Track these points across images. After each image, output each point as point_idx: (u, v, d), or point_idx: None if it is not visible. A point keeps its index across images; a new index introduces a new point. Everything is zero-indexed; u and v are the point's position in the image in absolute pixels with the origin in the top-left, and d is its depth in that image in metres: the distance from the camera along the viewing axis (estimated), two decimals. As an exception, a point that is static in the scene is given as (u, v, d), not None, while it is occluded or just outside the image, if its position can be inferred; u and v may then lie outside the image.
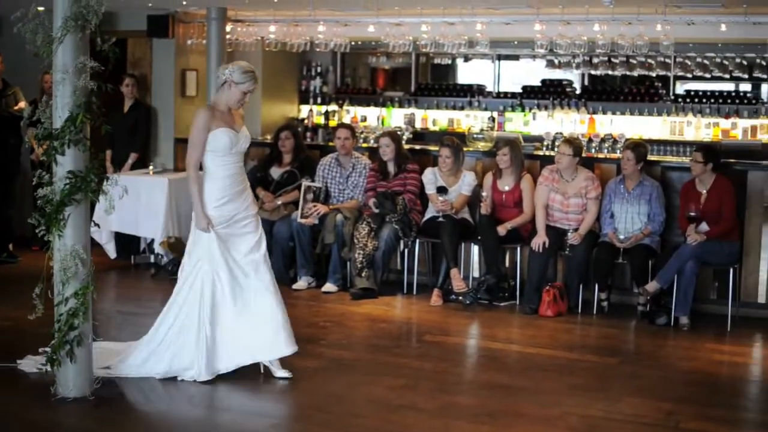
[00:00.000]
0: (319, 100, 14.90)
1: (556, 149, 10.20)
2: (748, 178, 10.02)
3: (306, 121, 14.42)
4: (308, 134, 13.86)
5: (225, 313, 7.25)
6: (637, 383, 7.52)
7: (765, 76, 13.01)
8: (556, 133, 12.53)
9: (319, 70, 15.07)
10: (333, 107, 14.76)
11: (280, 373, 7.33)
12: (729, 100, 13.19)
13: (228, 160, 7.25)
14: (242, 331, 7.25)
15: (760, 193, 9.96)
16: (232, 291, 7.26)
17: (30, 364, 7.34)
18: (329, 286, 10.51)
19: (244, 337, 7.25)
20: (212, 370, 7.18)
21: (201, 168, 7.36)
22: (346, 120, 14.52)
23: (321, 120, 14.56)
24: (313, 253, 10.76)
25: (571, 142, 10.19)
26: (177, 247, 11.05)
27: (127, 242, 11.77)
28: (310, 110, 14.64)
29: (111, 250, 11.60)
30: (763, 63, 12.89)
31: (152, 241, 11.49)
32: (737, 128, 12.89)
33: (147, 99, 13.16)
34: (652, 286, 9.46)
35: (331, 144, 11.86)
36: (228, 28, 12.65)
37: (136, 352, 7.39)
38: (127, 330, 8.68)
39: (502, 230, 10.07)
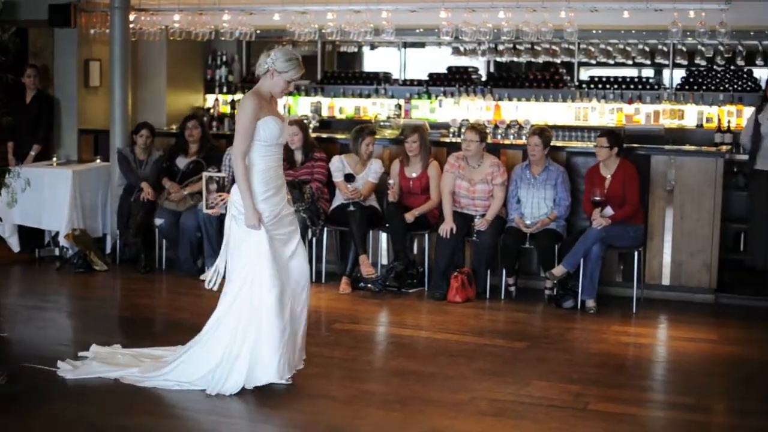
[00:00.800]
0: (224, 89, 14.78)
1: (462, 136, 10.25)
2: (651, 163, 10.18)
3: (212, 111, 14.30)
4: (214, 123, 13.74)
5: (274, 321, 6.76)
6: (546, 366, 7.61)
7: (667, 62, 13.19)
8: (463, 120, 12.58)
9: (224, 59, 14.94)
10: (239, 96, 14.66)
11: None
12: (632, 86, 13.35)
13: (272, 151, 6.84)
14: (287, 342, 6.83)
15: (662, 177, 10.12)
16: (280, 297, 6.80)
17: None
18: (237, 276, 10.45)
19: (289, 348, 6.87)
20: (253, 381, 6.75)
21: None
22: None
23: (227, 109, 14.45)
24: (220, 243, 10.67)
25: (477, 128, 10.24)
26: (82, 239, 10.94)
27: (31, 235, 11.59)
28: (216, 99, 14.53)
29: (14, 244, 11.46)
30: (665, 49, 13.06)
31: (57, 234, 11.34)
32: (640, 113, 13.06)
33: (50, 90, 12.96)
34: (558, 270, 9.57)
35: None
36: (132, 17, 12.46)
37: (187, 367, 6.89)
38: (32, 325, 8.56)
39: (409, 217, 10.10)
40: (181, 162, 11.15)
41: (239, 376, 6.67)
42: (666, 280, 10.15)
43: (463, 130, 10.91)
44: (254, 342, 6.70)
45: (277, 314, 6.71)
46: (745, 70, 12.90)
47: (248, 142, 6.73)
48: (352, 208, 10.24)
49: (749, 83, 12.80)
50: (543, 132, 10.07)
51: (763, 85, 12.01)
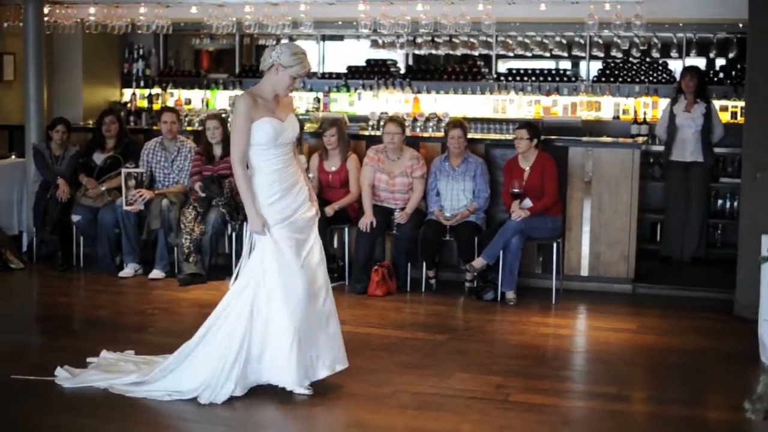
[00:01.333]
0: (142, 83, 14.62)
1: (382, 129, 10.24)
2: (569, 154, 10.27)
3: (129, 105, 14.14)
4: (131, 118, 13.60)
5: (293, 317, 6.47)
6: (467, 359, 7.63)
7: (583, 55, 13.30)
8: (382, 113, 12.59)
9: (141, 52, 14.78)
10: (156, 90, 14.51)
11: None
12: (549, 78, 13.45)
13: (274, 153, 6.47)
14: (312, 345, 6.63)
15: (580, 168, 10.21)
16: (291, 304, 6.47)
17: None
18: (156, 273, 10.38)
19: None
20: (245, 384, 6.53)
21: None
22: (170, 103, 14.31)
23: (144, 104, 14.31)
24: (140, 239, 10.60)
25: (399, 121, 10.25)
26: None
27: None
28: (133, 94, 14.36)
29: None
30: (582, 41, 13.17)
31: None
32: (558, 105, 13.16)
33: (-38, 84, 12.75)
34: (478, 262, 9.61)
35: (155, 128, 11.67)
36: (46, 10, 12.29)
37: (179, 376, 6.59)
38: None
39: (329, 211, 10.07)
40: (98, 157, 11.02)
41: (231, 385, 6.40)
42: (584, 271, 10.25)
43: (382, 123, 10.89)
44: (252, 350, 6.47)
45: (287, 323, 6.43)
46: (660, 62, 13.05)
47: (243, 146, 6.44)
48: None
49: (664, 75, 12.96)
50: (463, 124, 10.11)
51: (677, 77, 12.15)
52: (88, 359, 7.09)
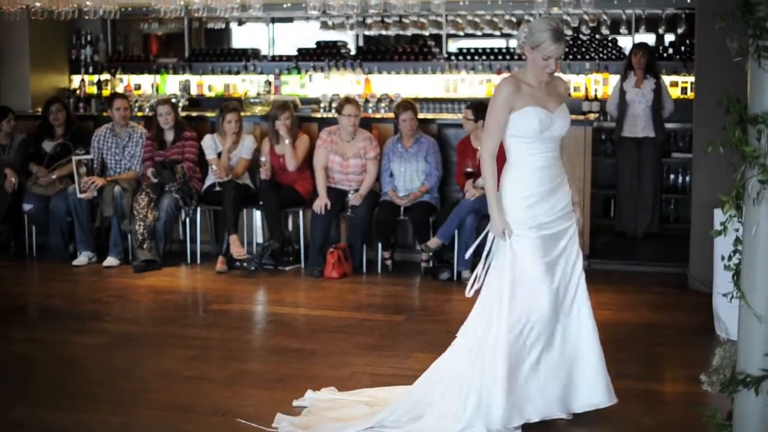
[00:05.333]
0: (90, 69, 14.48)
1: (340, 111, 10.19)
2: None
3: (78, 92, 14.02)
4: (81, 105, 13.47)
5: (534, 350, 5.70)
6: (424, 338, 7.63)
7: (533, 32, 13.32)
8: (333, 95, 12.55)
9: (89, 38, 14.64)
10: (105, 76, 14.39)
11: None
12: (500, 57, 13.46)
13: (537, 149, 5.62)
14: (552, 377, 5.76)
15: (533, 146, 10.23)
16: (520, 330, 5.65)
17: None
18: (111, 260, 10.30)
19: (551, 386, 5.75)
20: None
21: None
22: (120, 89, 14.21)
23: (94, 90, 14.18)
24: (93, 227, 10.52)
25: (355, 102, 10.24)
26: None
27: None
28: (82, 80, 14.23)
29: None
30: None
31: None
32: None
33: None
34: (433, 242, 9.62)
35: (105, 114, 11.57)
36: (-10, -4, 12.13)
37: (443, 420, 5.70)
38: None
39: (288, 158, 10.08)
40: (48, 145, 10.90)
41: (498, 411, 5.55)
42: (539, 248, 10.27)
43: (336, 105, 10.84)
44: (483, 378, 5.63)
45: (506, 351, 5.57)
46: (610, 38, 13.10)
47: (495, 137, 5.65)
48: (218, 188, 10.17)
49: (614, 52, 13.01)
50: (413, 106, 10.11)
51: (627, 53, 12.21)
52: (295, 402, 6.15)
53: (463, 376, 5.74)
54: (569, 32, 12.96)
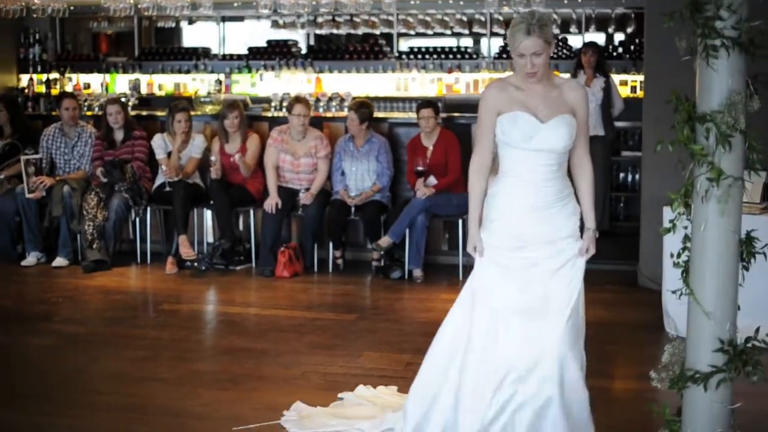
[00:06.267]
0: (39, 68, 14.37)
1: (287, 110, 10.17)
2: (472, 131, 10.30)
3: (27, 91, 13.89)
4: (29, 104, 13.35)
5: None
6: (376, 337, 7.64)
7: (484, 32, 13.38)
8: (284, 94, 12.53)
9: (37, 36, 14.53)
10: (54, 75, 14.28)
11: None
12: (451, 56, 13.50)
13: (525, 160, 4.98)
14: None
15: (484, 145, 10.25)
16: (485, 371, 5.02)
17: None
18: (60, 261, 10.21)
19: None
20: None
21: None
22: (69, 88, 14.10)
23: (43, 89, 14.06)
24: (41, 227, 10.42)
25: (306, 101, 10.22)
26: None
27: None
28: (31, 79, 14.11)
29: None
30: (482, 19, 13.24)
31: None
32: (460, 83, 13.23)
33: None
34: (384, 241, 9.62)
35: (54, 113, 11.48)
36: (-64, -5, 12.01)
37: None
38: None
39: (243, 169, 10.00)
40: (-5, 144, 10.80)
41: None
42: (491, 247, 10.30)
43: (287, 104, 10.80)
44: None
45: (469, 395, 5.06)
46: (560, 37, 13.17)
47: (485, 148, 5.08)
48: (168, 188, 10.11)
49: (564, 50, 13.08)
50: (361, 107, 10.07)
51: (577, 52, 12.28)
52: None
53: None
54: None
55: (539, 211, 5.04)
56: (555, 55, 13.02)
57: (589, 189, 5.23)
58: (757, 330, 4.47)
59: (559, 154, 5.02)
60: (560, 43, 13.11)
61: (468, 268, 9.63)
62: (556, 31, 13.10)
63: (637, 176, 11.83)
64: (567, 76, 11.73)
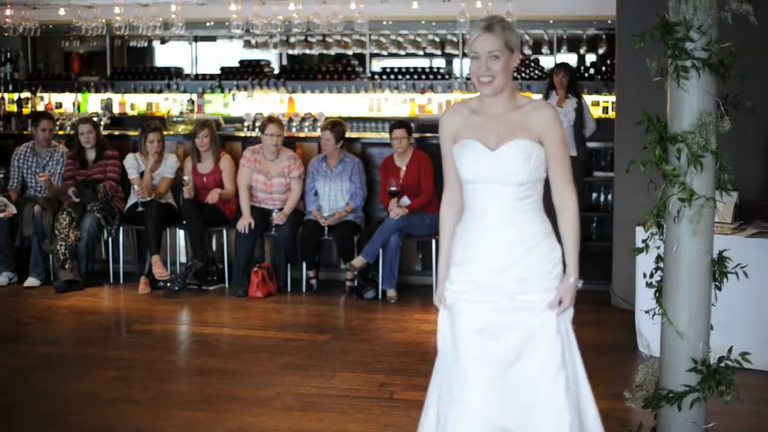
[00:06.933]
0: (10, 87, 14.32)
1: (260, 130, 10.17)
2: (445, 152, 10.32)
3: (-4, 110, 13.86)
4: (0, 123, 13.30)
5: None
6: (350, 358, 7.63)
7: (457, 52, 13.44)
8: (257, 114, 12.54)
9: (8, 55, 14.48)
10: (26, 94, 14.23)
11: None
12: (423, 76, 13.54)
13: (482, 192, 4.33)
14: None
15: (456, 165, 10.28)
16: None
17: None
18: (31, 281, 10.15)
19: None
20: None
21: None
22: (41, 107, 14.05)
23: (14, 108, 14.01)
24: (13, 246, 10.36)
25: (279, 121, 10.22)
26: None
27: None
28: (2, 98, 14.06)
29: None
30: (455, 39, 13.30)
31: None
32: (432, 103, 13.27)
33: None
34: (358, 261, 9.62)
35: (26, 132, 11.45)
36: None
37: None
38: None
39: (213, 195, 9.95)
40: (-35, 164, 10.76)
41: None
42: (464, 267, 10.31)
43: (259, 124, 10.80)
44: None
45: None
46: (532, 58, 13.24)
47: (449, 176, 4.51)
48: (140, 208, 10.08)
49: (536, 71, 13.15)
50: (335, 125, 10.09)
51: (549, 73, 12.35)
52: None
53: None
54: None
55: (501, 255, 4.31)
56: (527, 76, 13.08)
57: (571, 231, 4.42)
58: (730, 349, 4.50)
59: (521, 186, 4.27)
60: (532, 64, 13.17)
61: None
62: (528, 51, 13.15)
63: (609, 196, 11.87)
64: (539, 97, 11.80)
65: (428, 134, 10.72)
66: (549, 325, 4.32)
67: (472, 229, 4.37)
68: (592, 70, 13.05)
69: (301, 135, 11.44)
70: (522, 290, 4.30)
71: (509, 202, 4.29)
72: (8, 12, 12.30)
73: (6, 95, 14.18)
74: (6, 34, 12.66)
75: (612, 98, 12.15)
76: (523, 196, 4.29)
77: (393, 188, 9.61)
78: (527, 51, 13.17)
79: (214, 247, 10.59)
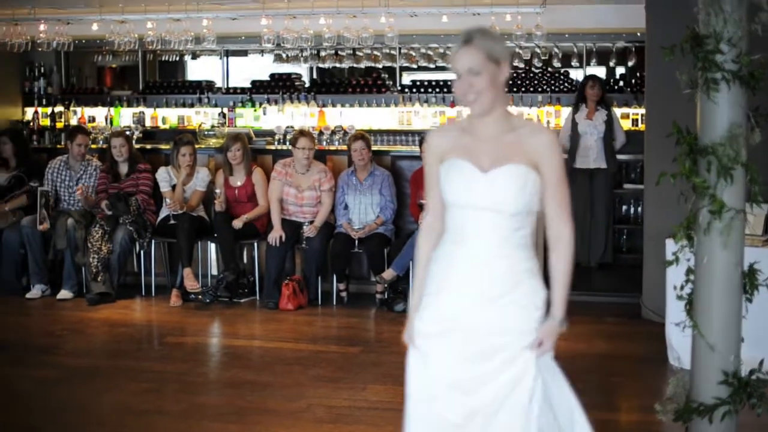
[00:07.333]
0: (44, 101, 14.42)
1: (291, 144, 10.21)
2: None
3: (32, 124, 13.93)
4: (34, 137, 13.39)
5: None
6: (380, 370, 7.63)
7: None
8: (287, 127, 12.58)
9: (42, 70, 14.59)
10: (59, 108, 14.32)
11: None
12: (453, 89, 13.54)
13: (464, 219, 3.99)
14: None
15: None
16: None
17: None
18: (64, 293, 10.21)
19: None
20: None
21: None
22: (74, 121, 14.14)
23: (48, 122, 14.11)
24: (46, 259, 10.44)
25: (311, 135, 10.26)
26: None
27: None
28: (36, 112, 14.16)
29: None
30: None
31: None
32: (462, 116, 13.26)
33: None
34: (388, 273, 9.63)
35: (59, 146, 11.56)
36: (-57, 29, 12.07)
37: None
38: None
39: (237, 223, 10.02)
40: (1, 176, 10.82)
41: None
42: (494, 279, 10.29)
43: (291, 137, 10.83)
44: None
45: None
46: (562, 71, 13.23)
47: (432, 199, 4.18)
48: (172, 221, 10.13)
49: (566, 84, 13.14)
50: (364, 136, 10.15)
51: (578, 85, 12.34)
52: None
53: None
54: (521, 65, 13.08)
55: (482, 289, 3.96)
56: (557, 89, 13.08)
57: (562, 266, 4.10)
58: (761, 362, 4.49)
59: (511, 216, 3.93)
60: (562, 77, 13.16)
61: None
62: (558, 64, 13.14)
63: (639, 209, 11.84)
64: (568, 110, 11.79)
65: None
66: (526, 377, 3.91)
67: (452, 256, 4.00)
68: (621, 83, 13.02)
69: (332, 148, 11.47)
70: (499, 331, 3.92)
71: (499, 232, 3.92)
72: (42, 27, 12.38)
73: (40, 110, 14.27)
74: (40, 49, 12.74)
75: (641, 111, 12.12)
76: (516, 227, 3.95)
77: (423, 201, 9.62)
78: (557, 64, 13.16)
79: (245, 260, 10.64)
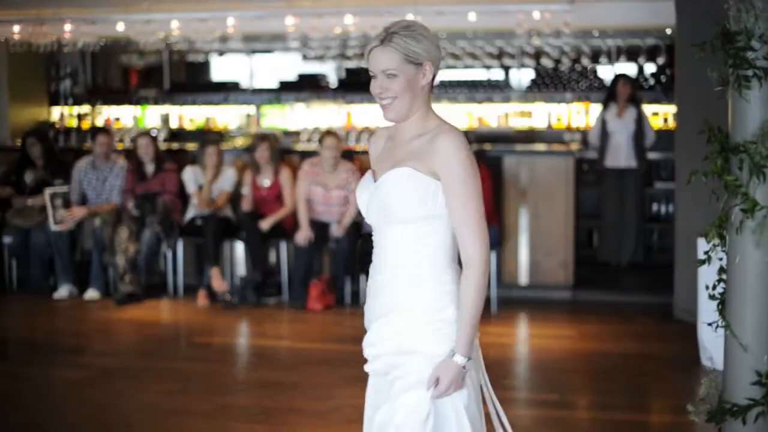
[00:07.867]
0: (70, 101, 14.44)
1: (319, 143, 10.19)
2: (504, 164, 10.29)
3: (58, 124, 13.96)
4: (61, 137, 13.41)
5: None
6: (407, 370, 7.59)
7: (514, 63, 13.37)
8: (314, 127, 12.57)
9: (68, 70, 14.61)
10: (85, 108, 14.34)
11: None
12: (481, 88, 13.49)
13: (374, 234, 3.78)
14: None
15: (515, 177, 10.24)
16: None
17: None
18: (92, 293, 10.23)
19: None
20: None
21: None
22: (100, 121, 14.16)
23: (74, 122, 14.13)
24: (73, 259, 10.46)
25: (337, 134, 10.25)
26: None
27: None
28: (62, 113, 14.19)
29: None
30: (512, 50, 13.23)
31: None
32: (490, 115, 13.21)
33: None
34: (416, 273, 9.57)
35: (86, 147, 11.56)
36: (-31, 30, 12.10)
37: None
38: None
39: (264, 225, 10.01)
40: (29, 177, 10.84)
41: None
42: (524, 280, 10.27)
43: (318, 137, 10.81)
44: None
45: None
46: (590, 69, 13.15)
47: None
48: (199, 221, 10.13)
49: (595, 82, 13.05)
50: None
51: (607, 83, 12.26)
52: None
53: None
54: (550, 63, 13.00)
55: (377, 304, 3.79)
56: (586, 87, 13.00)
57: (469, 293, 3.55)
58: (795, 363, 4.42)
59: (407, 225, 3.58)
60: (591, 75, 13.08)
61: (501, 300, 9.64)
62: (586, 62, 13.06)
63: (670, 207, 11.74)
64: (598, 107, 11.71)
65: (487, 146, 10.69)
66: (417, 411, 3.59)
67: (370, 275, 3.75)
68: (651, 80, 12.93)
69: (359, 148, 11.44)
70: (396, 350, 3.70)
71: (395, 244, 3.61)
72: (67, 27, 12.38)
73: (66, 110, 14.29)
74: (65, 50, 12.76)
75: (671, 108, 12.02)
76: (415, 236, 3.56)
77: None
78: (585, 61, 13.08)
79: (272, 260, 10.62)
